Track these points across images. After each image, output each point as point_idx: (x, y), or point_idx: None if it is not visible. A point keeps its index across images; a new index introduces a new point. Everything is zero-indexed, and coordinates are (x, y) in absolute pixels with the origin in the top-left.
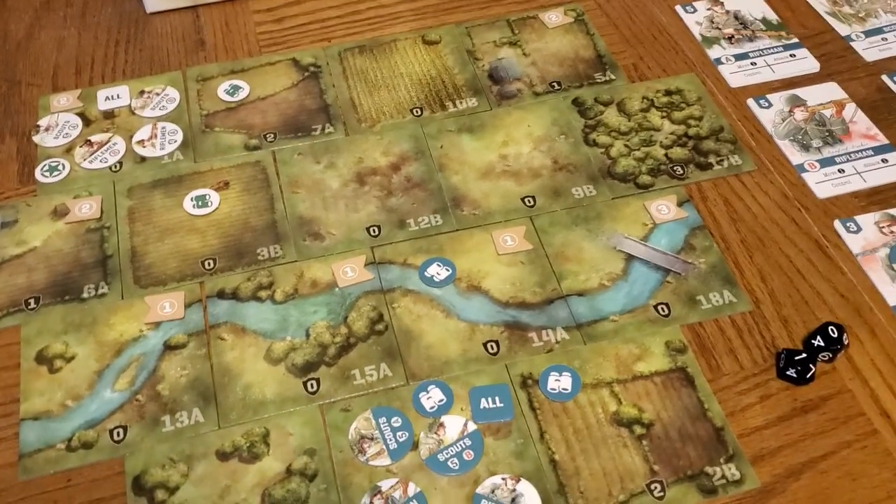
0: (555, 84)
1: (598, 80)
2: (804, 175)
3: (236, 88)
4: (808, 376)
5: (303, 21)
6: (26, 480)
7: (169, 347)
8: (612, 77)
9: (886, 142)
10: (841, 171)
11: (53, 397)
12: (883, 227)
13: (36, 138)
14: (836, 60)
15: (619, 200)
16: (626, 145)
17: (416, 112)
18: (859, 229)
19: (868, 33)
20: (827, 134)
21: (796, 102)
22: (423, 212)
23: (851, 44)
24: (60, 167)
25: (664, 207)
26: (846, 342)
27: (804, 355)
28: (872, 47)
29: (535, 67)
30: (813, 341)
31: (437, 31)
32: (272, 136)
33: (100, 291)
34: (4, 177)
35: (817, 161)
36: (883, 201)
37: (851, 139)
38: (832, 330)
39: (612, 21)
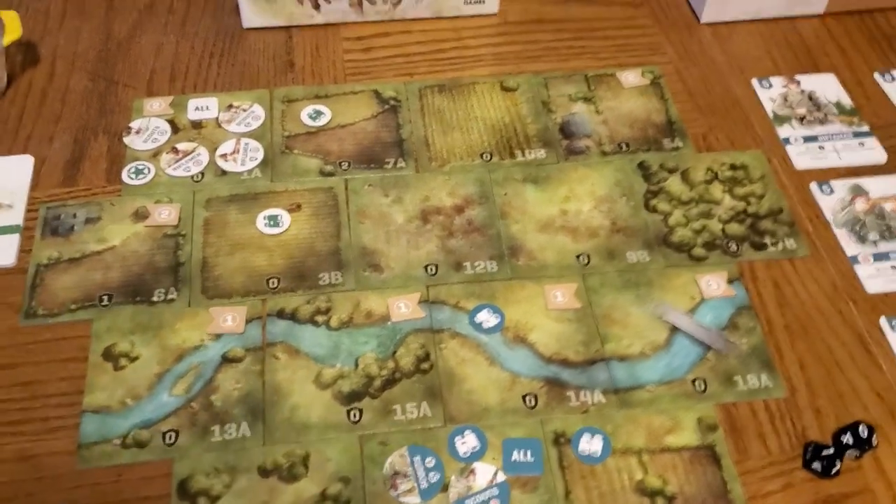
0: (623, 145)
1: (666, 147)
2: (856, 267)
3: (319, 113)
4: (832, 472)
5: (389, 53)
6: (82, 470)
7: (227, 360)
8: (680, 145)
9: None
10: (894, 267)
11: (115, 394)
12: None
13: (126, 139)
14: None
15: (671, 270)
16: (684, 215)
17: (486, 157)
18: None
19: None
20: (885, 228)
21: (858, 192)
22: (480, 256)
23: None
24: (146, 171)
25: (714, 283)
26: (875, 443)
27: (831, 451)
28: None
29: (605, 126)
30: (842, 437)
31: (515, 78)
32: (347, 164)
33: (169, 297)
34: (94, 174)
35: (871, 255)
36: None
37: None
38: (862, 429)
39: (687, 88)
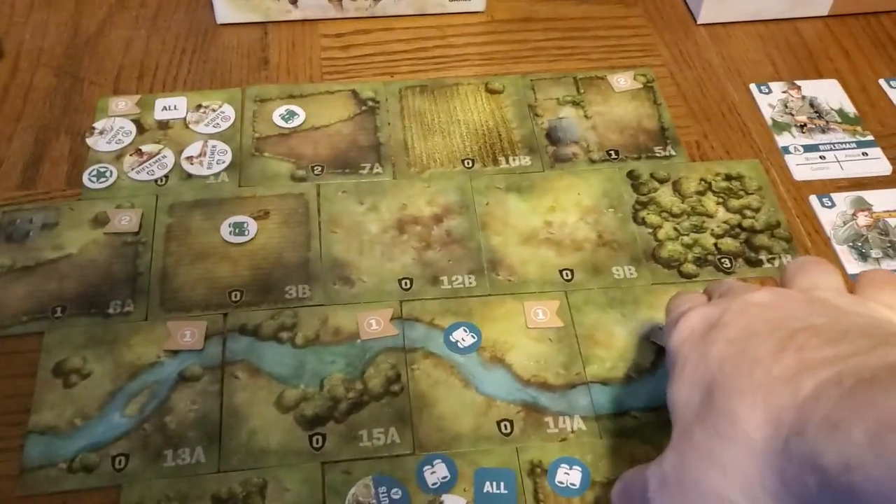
0: (612, 152)
1: (658, 155)
2: None
3: (292, 114)
4: None
5: (369, 52)
6: (23, 496)
7: (183, 379)
8: (673, 153)
9: None
10: None
11: (63, 413)
12: None
13: (89, 140)
14: None
15: (659, 287)
16: (675, 228)
17: (468, 163)
18: None
19: None
20: (888, 245)
21: (861, 206)
22: (458, 270)
23: None
24: (108, 174)
25: None
26: None
27: None
28: None
29: (594, 132)
30: None
31: (501, 79)
32: (320, 168)
33: (125, 309)
34: (53, 176)
35: None
36: None
37: None
38: None
39: (681, 92)
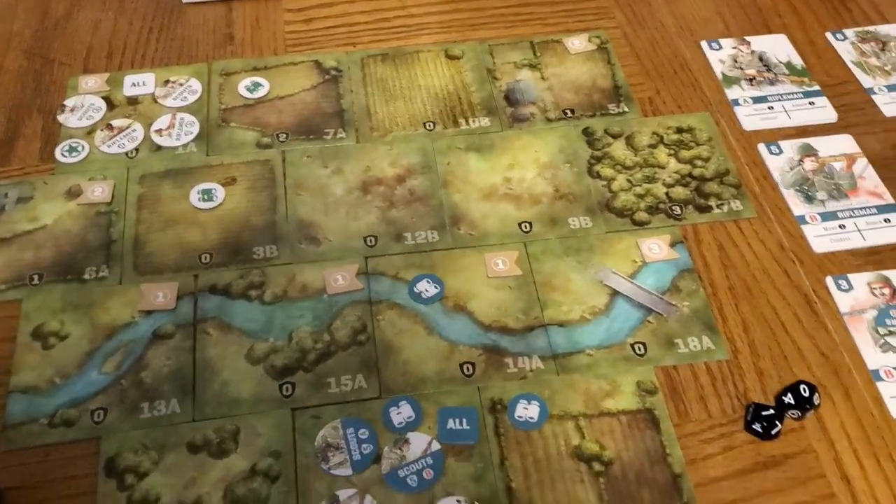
0: (568, 111)
1: (612, 112)
2: (804, 227)
3: (257, 85)
4: (773, 432)
5: (331, 24)
6: (7, 451)
7: (157, 336)
8: (626, 109)
9: (892, 201)
10: (842, 226)
11: (43, 373)
12: (875, 288)
13: (61, 118)
14: (855, 112)
15: (613, 235)
16: (628, 180)
17: (429, 126)
18: (850, 288)
19: (891, 87)
20: (833, 187)
21: (808, 152)
22: (421, 226)
23: (873, 97)
24: (80, 148)
25: (656, 246)
26: (817, 403)
27: (772, 411)
28: (893, 102)
29: (551, 93)
30: (784, 398)
31: (460, 46)
32: (285, 135)
33: (100, 274)
34: (26, 153)
35: (819, 214)
36: (879, 262)
37: (857, 195)
38: (804, 389)
39: (635, 51)
